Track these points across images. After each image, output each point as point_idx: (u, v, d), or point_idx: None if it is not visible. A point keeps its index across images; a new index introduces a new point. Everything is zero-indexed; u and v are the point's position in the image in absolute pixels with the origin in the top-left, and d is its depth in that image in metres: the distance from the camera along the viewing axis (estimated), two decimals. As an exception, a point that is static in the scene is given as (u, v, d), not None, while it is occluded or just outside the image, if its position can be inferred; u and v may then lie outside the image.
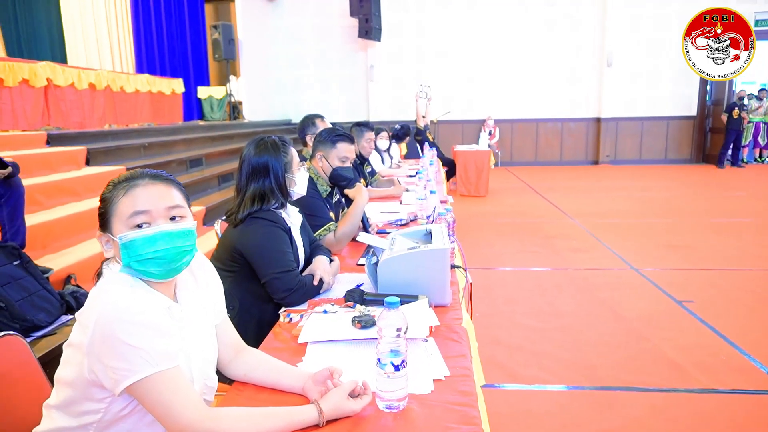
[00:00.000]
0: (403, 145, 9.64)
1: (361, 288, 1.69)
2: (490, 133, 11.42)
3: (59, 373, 1.07)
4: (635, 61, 11.41)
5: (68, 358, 1.05)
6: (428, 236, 1.82)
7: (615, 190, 8.59)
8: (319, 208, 2.33)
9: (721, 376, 2.72)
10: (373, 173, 4.47)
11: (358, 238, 1.94)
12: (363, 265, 1.83)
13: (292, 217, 1.94)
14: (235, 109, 11.18)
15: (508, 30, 11.58)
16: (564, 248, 5.19)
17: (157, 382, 0.99)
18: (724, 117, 10.86)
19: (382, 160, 5.56)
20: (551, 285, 4.19)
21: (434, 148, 6.39)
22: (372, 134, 4.28)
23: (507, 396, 2.61)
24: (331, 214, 2.44)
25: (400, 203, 3.51)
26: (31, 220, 3.47)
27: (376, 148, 5.20)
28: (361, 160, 4.16)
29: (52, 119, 6.18)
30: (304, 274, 1.83)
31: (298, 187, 1.91)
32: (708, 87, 11.43)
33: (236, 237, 1.78)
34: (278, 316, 1.64)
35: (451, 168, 8.21)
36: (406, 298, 1.53)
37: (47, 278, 2.76)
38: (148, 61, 10.80)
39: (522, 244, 5.39)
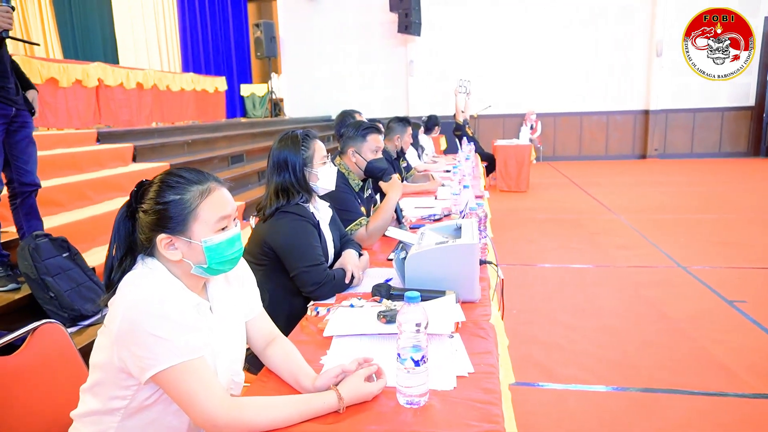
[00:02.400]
0: (443, 140, 9.59)
1: (389, 283, 1.68)
2: (531, 127, 11.18)
3: (93, 357, 1.11)
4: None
5: (101, 344, 1.09)
6: (458, 231, 1.79)
7: (663, 185, 8.25)
8: (350, 203, 2.33)
9: (774, 381, 2.56)
10: (408, 168, 4.45)
11: (386, 233, 1.93)
12: (392, 259, 1.82)
13: (322, 212, 1.95)
14: (276, 106, 11.37)
15: (551, 20, 11.28)
16: (607, 245, 5.03)
17: (181, 371, 1.01)
18: None
19: (419, 156, 5.53)
20: (593, 282, 4.06)
21: (472, 143, 6.30)
22: (410, 129, 4.26)
23: (543, 395, 2.54)
24: (363, 209, 2.44)
25: (435, 198, 3.48)
26: (79, 214, 3.64)
27: (413, 143, 5.17)
28: (398, 155, 4.15)
29: (102, 118, 6.46)
30: (333, 268, 1.84)
31: (322, 181, 1.90)
32: (768, 75, 10.79)
33: (266, 231, 1.80)
34: (306, 309, 1.65)
35: (490, 163, 8.09)
36: (433, 294, 1.52)
37: (93, 269, 2.88)
38: (194, 60, 11.13)
39: (563, 240, 5.25)
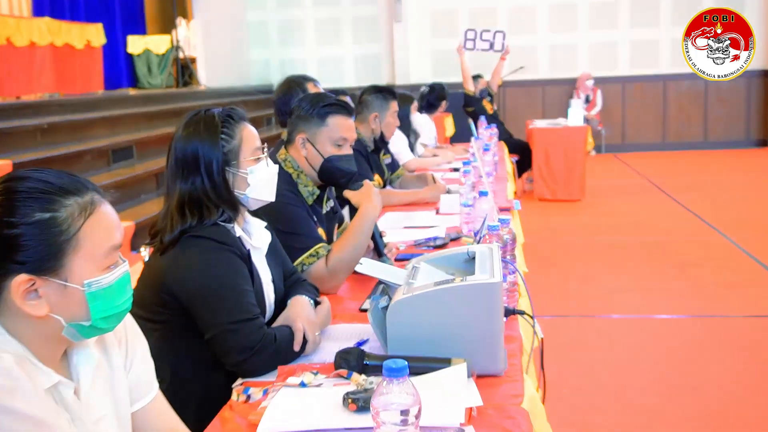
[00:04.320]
0: (449, 121, 9.69)
1: (363, 347, 1.68)
2: (587, 100, 11.36)
3: None
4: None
5: None
6: (471, 264, 1.81)
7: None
8: (300, 223, 2.35)
9: None
10: (395, 166, 4.48)
11: (357, 268, 1.94)
12: (367, 310, 1.83)
13: (255, 236, 1.96)
14: (185, 71, 11.40)
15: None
16: (712, 283, 5.11)
17: None
18: None
19: (412, 147, 5.57)
20: (689, 342, 4.12)
21: (494, 126, 6.38)
22: (395, 104, 4.30)
23: None
24: (321, 232, 2.45)
25: (437, 213, 3.52)
26: None
27: (402, 127, 5.20)
28: (378, 146, 4.18)
29: None
30: (274, 325, 1.84)
31: (255, 188, 1.91)
32: None
33: (165, 268, 1.80)
34: (230, 391, 1.65)
35: (524, 156, 8.19)
36: (432, 363, 1.53)
37: None
38: (51, -3, 11.12)
39: (640, 276, 5.32)
